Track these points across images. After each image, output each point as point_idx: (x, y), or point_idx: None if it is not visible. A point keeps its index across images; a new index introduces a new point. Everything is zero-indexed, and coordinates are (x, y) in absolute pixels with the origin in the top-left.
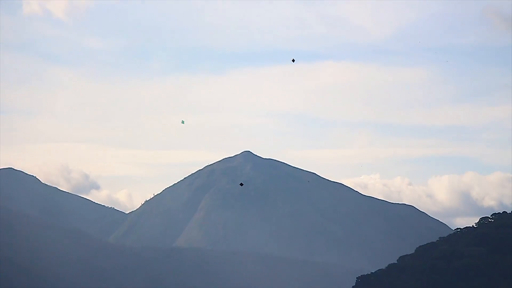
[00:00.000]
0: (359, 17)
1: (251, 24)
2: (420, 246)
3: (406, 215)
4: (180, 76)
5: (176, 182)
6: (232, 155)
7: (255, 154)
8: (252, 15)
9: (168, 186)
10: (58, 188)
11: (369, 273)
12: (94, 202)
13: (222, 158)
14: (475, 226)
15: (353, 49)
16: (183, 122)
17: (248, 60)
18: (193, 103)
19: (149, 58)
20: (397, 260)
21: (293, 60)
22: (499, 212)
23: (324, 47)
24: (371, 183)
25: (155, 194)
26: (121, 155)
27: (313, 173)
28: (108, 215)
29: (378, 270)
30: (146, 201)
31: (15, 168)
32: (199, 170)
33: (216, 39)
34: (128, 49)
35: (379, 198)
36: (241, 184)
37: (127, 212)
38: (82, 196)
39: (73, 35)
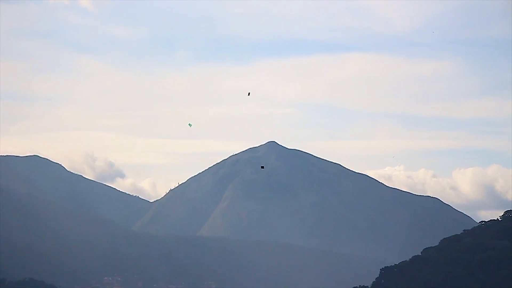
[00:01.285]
0: (387, 9)
1: (278, 14)
2: (444, 238)
3: (430, 207)
4: (206, 65)
5: (200, 172)
6: (257, 145)
7: (280, 144)
8: (279, 5)
9: (192, 175)
10: (83, 176)
11: (392, 264)
12: (119, 191)
13: (246, 148)
14: (499, 220)
15: (380, 41)
16: (190, 125)
17: (274, 50)
18: (219, 93)
19: (174, 47)
20: (421, 252)
21: (249, 94)
22: None
23: (351, 38)
24: (395, 175)
25: (179, 183)
26: (146, 143)
27: (338, 164)
28: (133, 204)
29: (401, 262)
30: (170, 190)
31: (41, 156)
32: (224, 159)
33: (242, 28)
34: (153, 37)
35: (403, 190)
36: (262, 167)
37: (151, 201)
38: (106, 184)
39: (98, 24)
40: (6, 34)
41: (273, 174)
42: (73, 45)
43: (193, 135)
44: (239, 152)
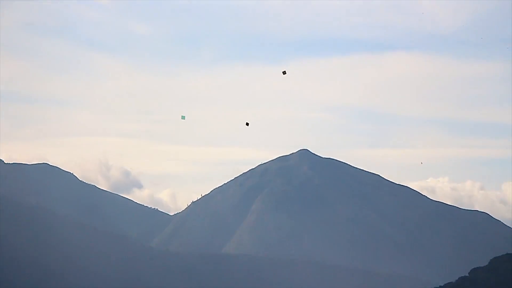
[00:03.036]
0: (431, 4)
1: (313, 10)
2: (494, 257)
3: (478, 222)
4: (233, 66)
5: (226, 182)
6: (288, 154)
7: (313, 152)
8: (314, 0)
9: (217, 186)
10: (97, 186)
11: (437, 286)
12: (136, 202)
13: (276, 157)
14: None
15: (425, 39)
16: (183, 117)
17: (308, 50)
18: (247, 96)
19: (199, 46)
20: (469, 273)
21: (284, 73)
22: None
23: (392, 36)
24: (439, 187)
25: (202, 195)
26: (166, 151)
27: (377, 174)
28: (151, 217)
29: (447, 283)
30: (192, 202)
31: (50, 164)
32: (252, 169)
33: (274, 26)
34: (176, 35)
35: (448, 204)
36: (247, 124)
37: (171, 214)
38: (122, 195)
39: (117, 20)
40: (17, 31)
41: (305, 185)
42: (88, 43)
43: (218, 142)
44: (268, 161)
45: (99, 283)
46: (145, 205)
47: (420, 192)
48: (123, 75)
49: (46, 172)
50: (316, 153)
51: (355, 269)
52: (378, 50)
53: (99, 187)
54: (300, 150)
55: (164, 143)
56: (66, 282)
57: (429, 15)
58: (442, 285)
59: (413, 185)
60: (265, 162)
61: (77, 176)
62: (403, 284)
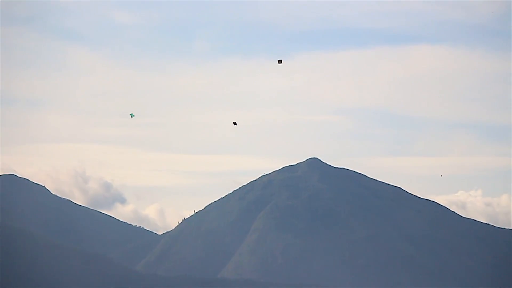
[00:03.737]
0: None
1: None
2: None
3: None
4: (231, 60)
5: (223, 196)
6: (295, 163)
7: (324, 161)
8: None
9: (212, 201)
10: (72, 201)
11: None
12: (118, 220)
13: (282, 167)
14: None
15: (454, 30)
16: (132, 115)
17: (318, 42)
18: (247, 95)
19: (191, 37)
20: None
21: (280, 62)
22: None
23: (416, 27)
24: (471, 202)
25: (195, 211)
26: (153, 160)
27: (397, 187)
28: (136, 237)
29: None
30: (184, 220)
31: (18, 175)
32: (253, 181)
33: (280, 14)
34: (164, 25)
35: (482, 221)
36: (235, 123)
37: (159, 233)
38: (102, 211)
39: (95, 7)
40: None
41: (315, 199)
42: (61, 33)
43: (213, 149)
44: (272, 171)
45: None
46: (129, 222)
47: (449, 207)
48: (102, 71)
49: (13, 185)
50: (327, 162)
51: None
52: (399, 42)
53: (75, 202)
54: (309, 159)
55: (150, 150)
56: None
57: (459, 2)
58: None
59: (440, 200)
60: (268, 172)
61: (49, 189)
62: None
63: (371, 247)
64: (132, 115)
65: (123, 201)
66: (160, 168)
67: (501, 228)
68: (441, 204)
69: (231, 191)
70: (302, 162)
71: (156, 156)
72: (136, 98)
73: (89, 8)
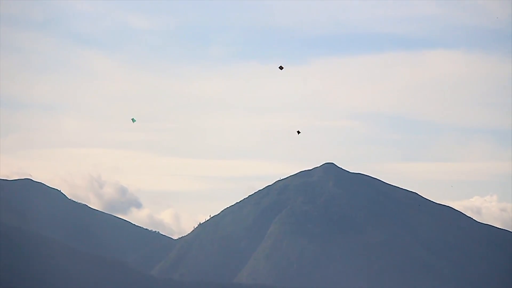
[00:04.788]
0: None
1: (338, 2)
2: None
3: None
4: (246, 65)
5: (238, 201)
6: (311, 168)
7: (340, 166)
8: None
9: (228, 206)
10: (88, 205)
11: None
12: (134, 224)
13: (297, 172)
14: None
15: (471, 35)
16: (133, 120)
17: (333, 47)
18: (263, 100)
19: (207, 42)
20: None
21: (281, 68)
22: None
23: (433, 32)
24: (486, 207)
25: (211, 216)
26: (169, 164)
27: (413, 192)
28: (151, 241)
29: None
30: (199, 225)
31: (34, 179)
32: (268, 186)
33: (295, 19)
34: (181, 30)
35: (497, 227)
36: (298, 132)
37: (175, 238)
38: (117, 216)
39: (111, 12)
40: None
41: (331, 204)
42: (77, 39)
43: (229, 154)
44: (287, 176)
45: None
46: (145, 227)
47: (464, 213)
48: (118, 76)
49: (29, 189)
50: (342, 167)
51: None
52: (414, 47)
53: (90, 206)
54: (325, 164)
55: (166, 155)
56: None
57: (476, 4)
58: None
59: (456, 205)
60: (284, 177)
61: (65, 194)
62: None
63: (387, 252)
64: (133, 120)
65: (138, 205)
66: (175, 173)
67: None
68: (457, 209)
69: (247, 196)
70: (317, 167)
71: (172, 161)
72: (152, 102)
73: (105, 13)
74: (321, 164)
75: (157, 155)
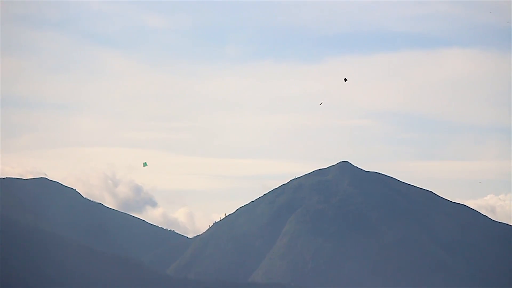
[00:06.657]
0: None
1: (355, 1)
2: None
3: None
4: (262, 64)
5: (253, 200)
6: (326, 167)
7: (355, 165)
8: None
9: (243, 205)
10: (103, 204)
11: None
12: (149, 223)
13: (312, 170)
14: None
15: (486, 33)
16: (145, 164)
17: (349, 46)
18: (278, 99)
19: (223, 42)
20: None
21: (345, 80)
22: None
23: (448, 30)
24: (500, 205)
25: (226, 215)
26: (183, 163)
27: (429, 191)
28: (167, 240)
29: None
30: (214, 223)
31: (49, 178)
32: (283, 184)
33: (310, 18)
34: (197, 29)
35: None
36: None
37: (190, 237)
38: (132, 214)
39: (126, 11)
40: (8, 23)
41: (346, 203)
42: (92, 38)
43: (244, 153)
44: (302, 175)
45: None
46: (160, 226)
47: (479, 211)
48: (133, 75)
49: (44, 188)
50: (358, 166)
51: None
52: (430, 46)
53: (105, 205)
54: (340, 162)
55: (181, 154)
56: None
57: (491, 5)
58: None
59: (471, 204)
60: (299, 176)
61: (80, 193)
62: None
63: (402, 251)
64: (145, 164)
65: (154, 204)
66: (190, 172)
67: None
68: (472, 207)
69: (262, 195)
70: (332, 165)
71: (187, 160)
72: (167, 101)
73: (121, 12)
74: (336, 162)
75: (172, 154)
